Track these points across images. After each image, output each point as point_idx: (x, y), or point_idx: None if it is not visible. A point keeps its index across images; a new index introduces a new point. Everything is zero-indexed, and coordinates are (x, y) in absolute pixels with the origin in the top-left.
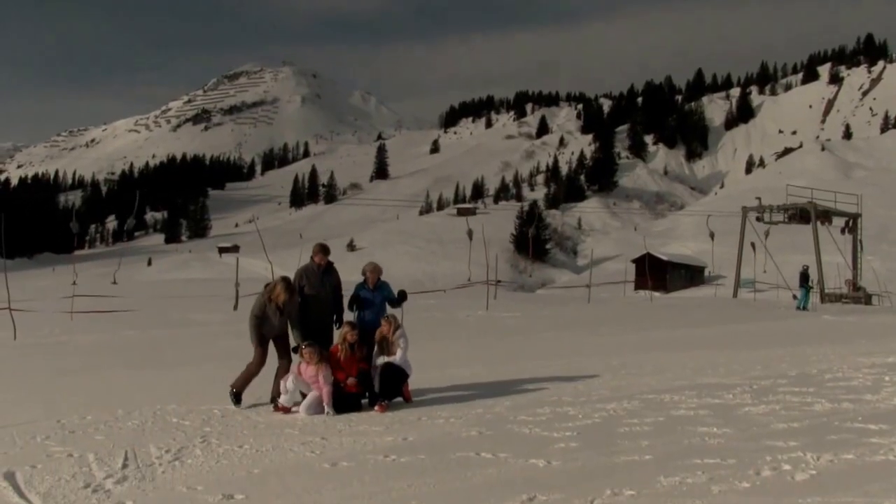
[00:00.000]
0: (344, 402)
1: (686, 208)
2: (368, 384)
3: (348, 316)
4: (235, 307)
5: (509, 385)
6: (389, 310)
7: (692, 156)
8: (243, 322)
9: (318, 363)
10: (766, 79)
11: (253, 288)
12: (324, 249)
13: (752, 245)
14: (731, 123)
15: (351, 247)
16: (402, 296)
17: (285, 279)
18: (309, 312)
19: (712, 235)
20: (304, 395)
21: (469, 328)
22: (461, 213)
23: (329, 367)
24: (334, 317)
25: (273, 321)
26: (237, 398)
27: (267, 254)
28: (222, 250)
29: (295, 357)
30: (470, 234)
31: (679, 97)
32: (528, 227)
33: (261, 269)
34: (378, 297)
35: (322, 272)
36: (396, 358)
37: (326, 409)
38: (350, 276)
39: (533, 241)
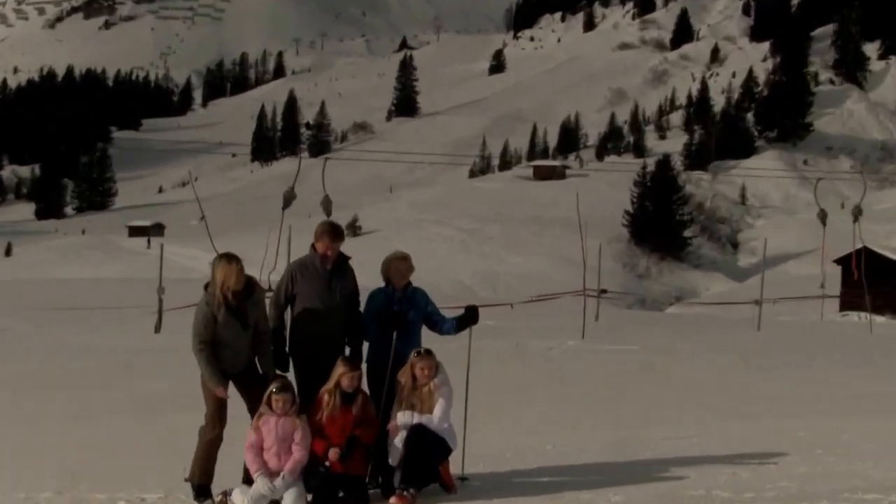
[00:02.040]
0: (329, 487)
1: None
2: (380, 461)
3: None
4: (157, 328)
5: (621, 469)
6: (424, 337)
7: None
8: (177, 352)
9: (293, 415)
10: None
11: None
12: (333, 232)
13: None
14: None
15: (353, 229)
16: (470, 317)
17: (228, 254)
18: (304, 338)
19: None
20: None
21: (553, 369)
22: (540, 174)
23: (307, 426)
24: (346, 348)
25: (233, 340)
26: (200, 494)
27: (213, 241)
28: (135, 232)
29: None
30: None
31: None
32: (655, 202)
33: (202, 264)
34: (411, 312)
35: (330, 271)
36: (434, 419)
37: (283, 483)
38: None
39: (662, 225)
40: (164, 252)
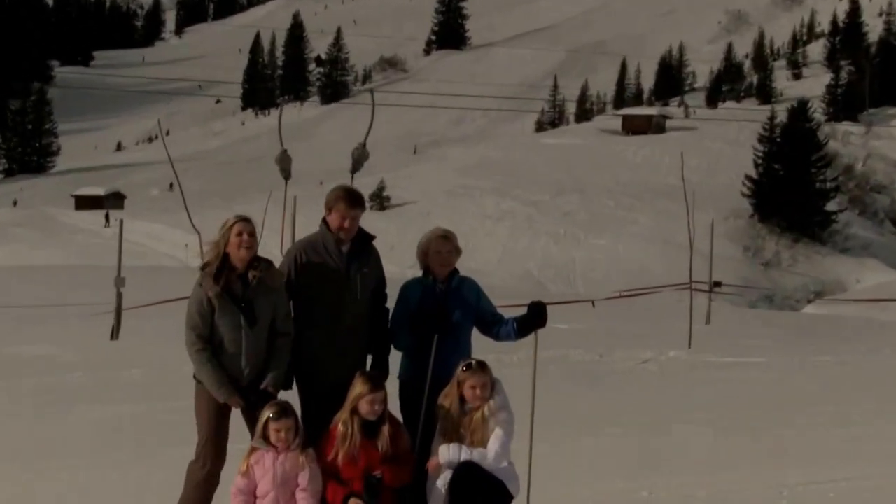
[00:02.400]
0: None
1: None
2: None
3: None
4: (114, 333)
5: None
6: (475, 344)
7: None
8: (144, 366)
9: (297, 449)
10: None
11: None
12: (350, 196)
13: None
14: None
15: (379, 201)
16: (536, 317)
17: (241, 216)
18: (313, 345)
19: None
20: None
21: (649, 390)
22: (632, 127)
23: (316, 464)
24: (368, 355)
25: (232, 339)
26: None
27: (190, 216)
28: (85, 203)
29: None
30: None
31: None
32: (787, 164)
33: (174, 247)
34: (458, 310)
35: (348, 254)
36: (490, 454)
37: None
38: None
39: (797, 196)
40: (123, 231)
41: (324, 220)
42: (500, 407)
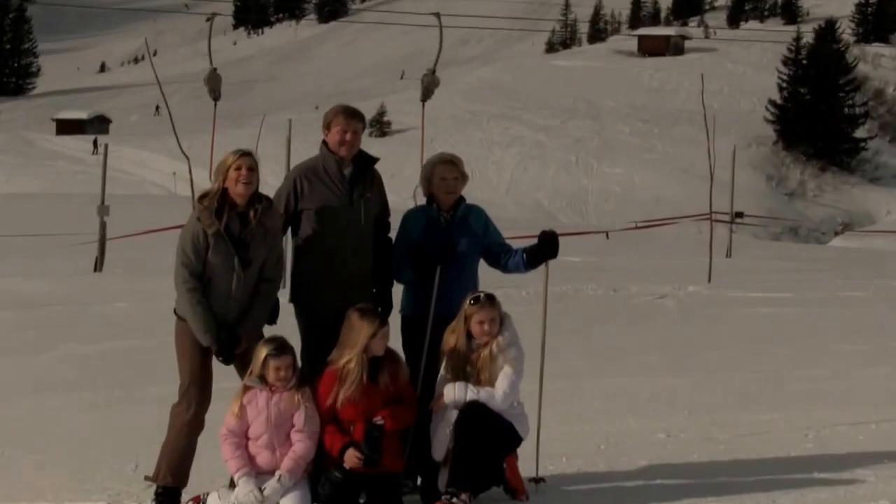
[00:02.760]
0: (346, 495)
1: None
2: (420, 453)
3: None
4: (98, 265)
5: (764, 467)
6: (482, 276)
7: None
8: (128, 300)
9: (293, 388)
10: None
11: (145, 217)
12: (350, 110)
13: None
14: None
15: (379, 126)
16: (547, 247)
17: (242, 152)
18: (314, 276)
19: None
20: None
21: (666, 327)
22: (648, 48)
23: (312, 404)
24: (373, 288)
25: (223, 278)
26: (166, 501)
27: (180, 141)
28: (67, 128)
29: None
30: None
31: None
32: (814, 88)
33: (161, 175)
34: (464, 240)
35: (351, 178)
36: (498, 394)
37: (278, 488)
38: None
39: (824, 122)
40: (108, 156)
41: (323, 142)
42: (509, 343)
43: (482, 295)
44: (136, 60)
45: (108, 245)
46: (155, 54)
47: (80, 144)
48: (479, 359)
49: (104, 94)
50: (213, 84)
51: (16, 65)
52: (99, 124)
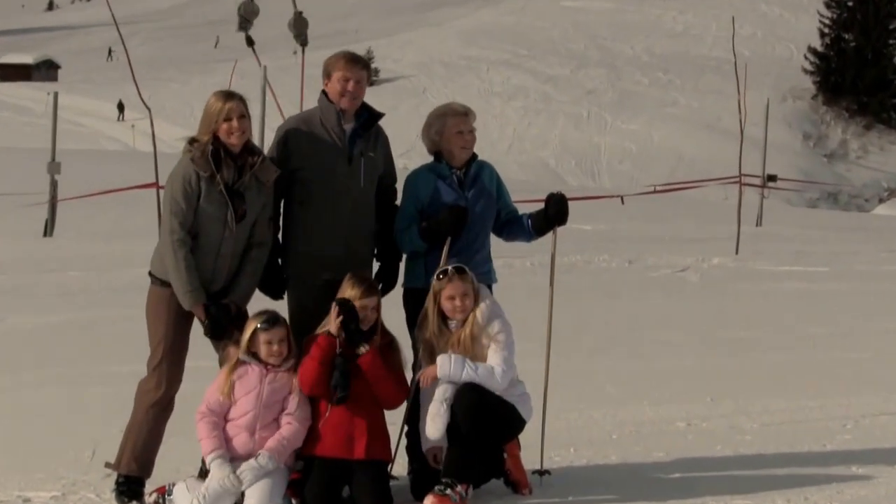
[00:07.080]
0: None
1: None
2: (412, 438)
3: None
4: (49, 229)
5: (794, 460)
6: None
7: None
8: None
9: (291, 370)
10: None
11: (101, 174)
12: (352, 56)
13: None
14: None
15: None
16: (555, 212)
17: (227, 95)
18: (309, 246)
19: None
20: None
21: (688, 303)
22: None
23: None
24: (374, 249)
25: (214, 235)
26: (127, 493)
27: (139, 89)
28: (11, 73)
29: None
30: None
31: None
32: (858, 33)
33: (120, 130)
34: (480, 202)
35: (352, 131)
36: (497, 374)
37: (256, 469)
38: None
39: (870, 73)
40: (58, 106)
41: (322, 92)
42: (489, 317)
43: (450, 268)
44: None
45: (60, 206)
46: None
47: (27, 93)
48: (460, 341)
49: (52, 36)
50: (300, 28)
51: None
52: (46, 70)
